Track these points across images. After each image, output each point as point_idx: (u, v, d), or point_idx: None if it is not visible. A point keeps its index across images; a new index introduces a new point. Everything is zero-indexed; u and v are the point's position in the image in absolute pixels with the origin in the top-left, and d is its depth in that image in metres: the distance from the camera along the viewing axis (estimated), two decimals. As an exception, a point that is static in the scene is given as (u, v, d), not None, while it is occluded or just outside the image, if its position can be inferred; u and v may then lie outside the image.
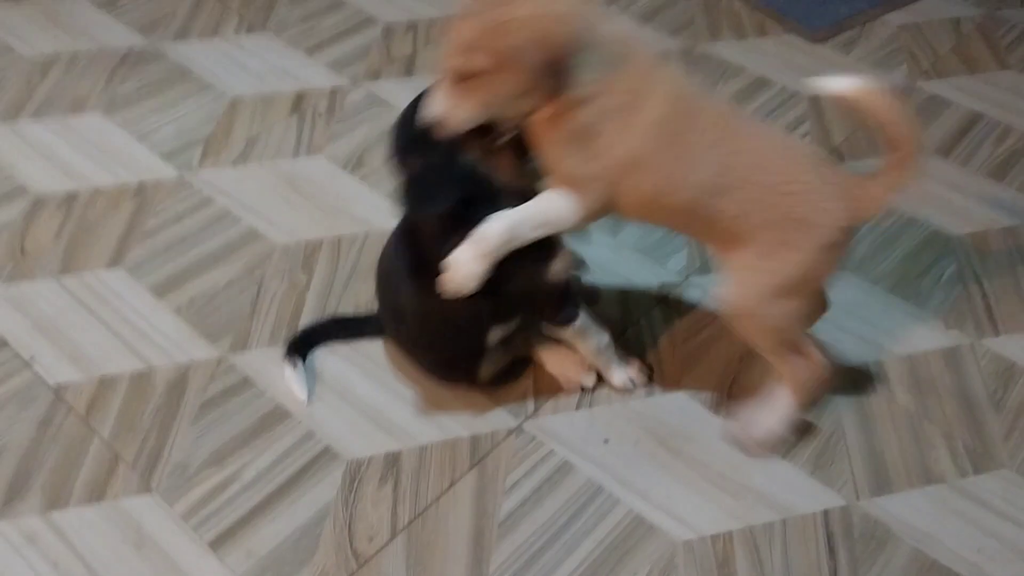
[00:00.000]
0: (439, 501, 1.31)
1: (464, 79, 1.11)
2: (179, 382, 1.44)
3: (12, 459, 1.34)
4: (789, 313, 1.25)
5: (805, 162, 1.21)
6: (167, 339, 1.50)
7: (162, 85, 2.03)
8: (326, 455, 1.36)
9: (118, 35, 2.17)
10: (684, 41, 2.23)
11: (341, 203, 1.77)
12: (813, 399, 1.40)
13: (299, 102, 2.00)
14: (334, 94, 2.03)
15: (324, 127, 1.94)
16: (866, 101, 1.18)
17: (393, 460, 1.36)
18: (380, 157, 1.87)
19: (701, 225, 1.22)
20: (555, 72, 1.10)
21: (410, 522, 1.29)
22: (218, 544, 1.25)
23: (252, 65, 2.10)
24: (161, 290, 1.58)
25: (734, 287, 1.24)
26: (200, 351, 1.49)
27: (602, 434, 1.40)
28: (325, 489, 1.32)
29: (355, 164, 1.86)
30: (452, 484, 1.33)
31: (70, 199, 1.75)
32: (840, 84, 1.18)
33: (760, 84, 2.11)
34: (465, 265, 1.19)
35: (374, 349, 1.50)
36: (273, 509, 1.30)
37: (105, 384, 1.43)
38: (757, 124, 1.26)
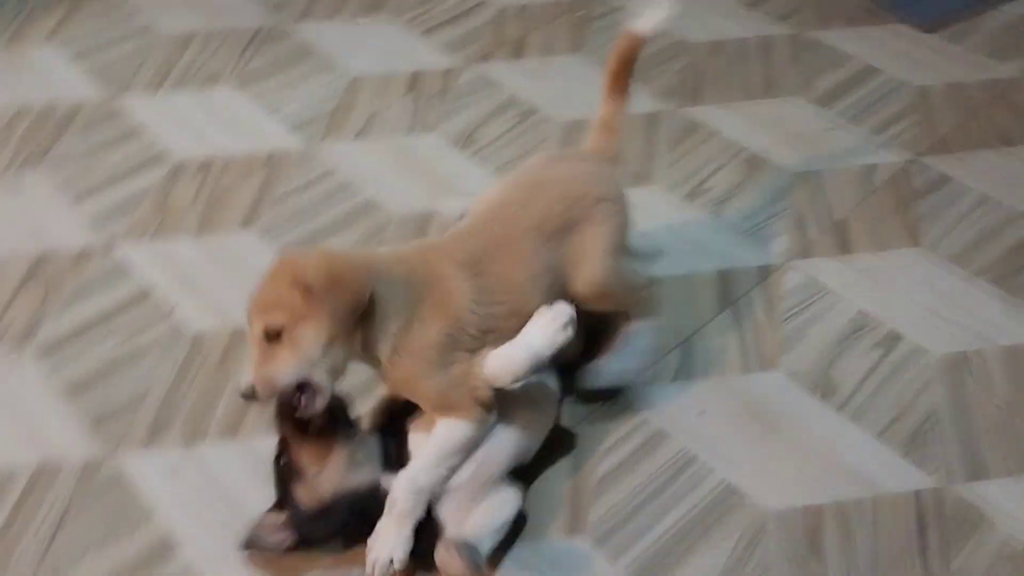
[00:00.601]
0: (539, 459, 1.39)
1: (272, 339, 1.14)
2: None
3: (155, 400, 1.47)
4: (623, 265, 1.39)
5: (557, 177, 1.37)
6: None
7: (288, 63, 2.16)
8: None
9: (247, 13, 2.31)
10: (792, 27, 2.25)
11: (451, 178, 1.87)
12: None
13: (414, 82, 2.10)
14: (447, 74, 2.12)
15: (437, 106, 2.04)
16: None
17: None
18: (488, 136, 1.96)
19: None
20: (357, 311, 1.15)
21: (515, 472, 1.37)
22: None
23: (372, 45, 2.21)
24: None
25: (594, 273, 1.33)
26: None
27: (698, 406, 1.46)
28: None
29: (465, 142, 1.95)
30: (550, 444, 1.41)
31: (206, 165, 1.89)
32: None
33: (866, 73, 2.11)
34: (390, 537, 1.20)
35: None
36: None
37: (237, 335, 1.56)
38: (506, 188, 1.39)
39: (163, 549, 1.29)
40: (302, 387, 1.17)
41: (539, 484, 1.36)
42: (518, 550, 1.28)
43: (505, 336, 1.21)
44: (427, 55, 2.19)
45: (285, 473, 1.23)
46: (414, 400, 1.26)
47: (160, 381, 1.50)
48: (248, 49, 2.20)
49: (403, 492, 1.20)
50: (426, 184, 1.85)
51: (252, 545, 1.25)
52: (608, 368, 1.44)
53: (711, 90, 2.08)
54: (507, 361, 1.19)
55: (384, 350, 1.19)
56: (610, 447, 1.41)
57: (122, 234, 1.74)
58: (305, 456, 1.21)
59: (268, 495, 1.26)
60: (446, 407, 1.21)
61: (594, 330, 1.43)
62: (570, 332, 1.20)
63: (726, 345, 1.55)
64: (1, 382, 1.50)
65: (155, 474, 1.37)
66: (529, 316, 1.21)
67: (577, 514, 1.33)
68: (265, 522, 1.25)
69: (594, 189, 1.35)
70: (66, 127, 1.98)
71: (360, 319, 1.16)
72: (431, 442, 1.22)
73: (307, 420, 1.20)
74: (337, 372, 1.19)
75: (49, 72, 2.13)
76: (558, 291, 1.31)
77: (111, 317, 1.60)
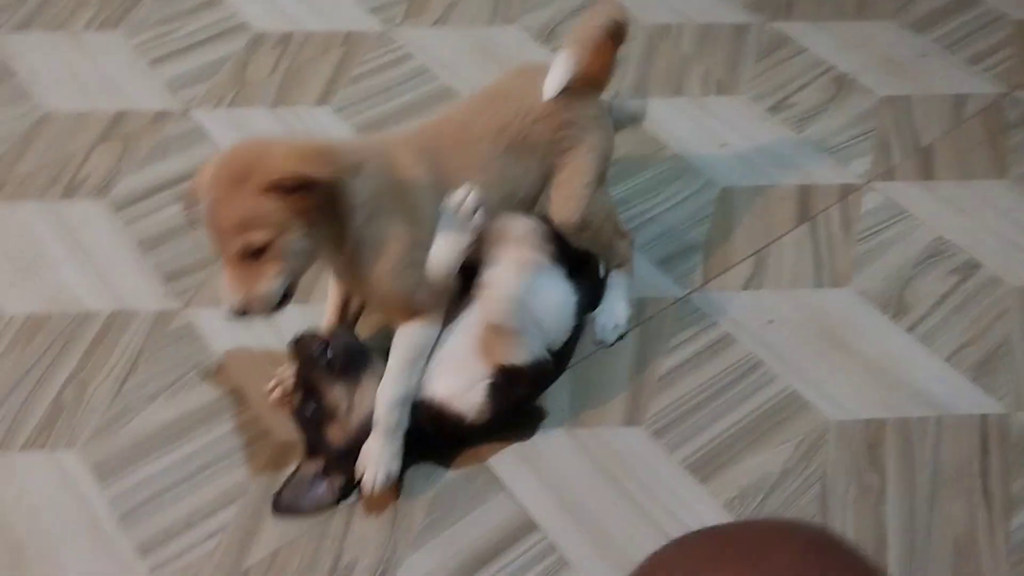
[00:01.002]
0: (602, 353, 1.40)
1: (251, 256, 1.07)
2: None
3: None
4: (608, 198, 1.38)
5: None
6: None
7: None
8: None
9: None
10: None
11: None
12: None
13: (499, -27, 2.06)
14: (533, -31, 2.08)
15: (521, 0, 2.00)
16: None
17: (565, 309, 1.45)
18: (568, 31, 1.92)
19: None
20: (331, 205, 1.09)
21: (577, 362, 1.38)
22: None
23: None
24: (362, 131, 1.70)
25: (569, 203, 1.30)
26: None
27: (767, 315, 1.45)
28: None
29: (546, 36, 1.91)
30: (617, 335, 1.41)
31: (285, 39, 1.87)
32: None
33: (965, 2, 2.03)
34: (382, 454, 1.18)
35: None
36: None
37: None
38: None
39: (231, 400, 1.32)
40: (317, 338, 1.19)
41: (599, 375, 1.36)
42: (574, 430, 1.30)
43: None
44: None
45: (315, 420, 1.20)
46: (374, 300, 1.22)
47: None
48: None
49: (384, 408, 1.17)
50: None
51: (291, 509, 1.20)
52: (600, 325, 1.41)
53: (803, 5, 2.02)
54: (435, 258, 1.18)
55: (348, 244, 1.14)
56: (675, 346, 1.41)
57: (199, 100, 1.74)
58: (335, 396, 1.19)
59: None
60: (410, 310, 1.18)
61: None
62: (480, 217, 1.16)
63: (800, 258, 1.52)
64: (78, 230, 1.52)
65: (225, 329, 1.39)
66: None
67: (636, 406, 1.33)
68: (303, 475, 1.21)
69: (566, 114, 1.28)
70: (147, -9, 1.97)
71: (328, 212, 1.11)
72: (394, 354, 1.19)
73: (331, 361, 1.19)
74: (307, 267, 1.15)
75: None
76: (521, 206, 1.29)
77: (184, 180, 1.60)
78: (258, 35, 1.88)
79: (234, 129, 1.69)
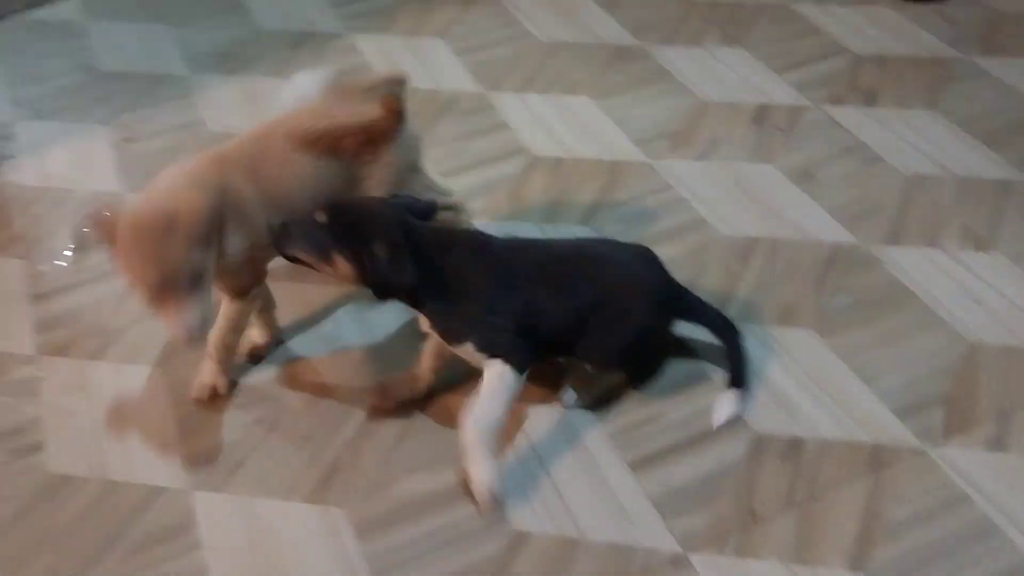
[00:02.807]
0: (834, 491, 1.42)
1: (184, 288, 1.32)
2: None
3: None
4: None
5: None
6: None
7: (643, 81, 2.32)
8: (736, 423, 1.53)
9: (614, 33, 2.50)
10: None
11: (783, 209, 1.92)
12: None
13: (761, 114, 2.18)
14: (794, 112, 2.18)
15: (780, 139, 2.10)
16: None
17: (796, 444, 1.49)
18: (828, 176, 1.99)
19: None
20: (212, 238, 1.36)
21: (804, 501, 1.41)
22: (637, 466, 1.48)
23: (724, 75, 2.32)
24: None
25: None
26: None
27: (1006, 478, 1.42)
28: (732, 450, 1.49)
29: (802, 178, 2.00)
30: (849, 481, 1.43)
31: (557, 163, 2.09)
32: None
33: None
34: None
35: (793, 338, 1.64)
36: (686, 452, 1.49)
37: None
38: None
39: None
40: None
41: (824, 516, 1.39)
42: (792, 566, 1.32)
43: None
44: (777, 90, 2.25)
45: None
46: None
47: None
48: (610, 64, 2.38)
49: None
50: (757, 211, 1.92)
51: (287, 235, 1.40)
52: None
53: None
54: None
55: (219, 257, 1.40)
56: (909, 499, 1.41)
57: (475, 213, 1.97)
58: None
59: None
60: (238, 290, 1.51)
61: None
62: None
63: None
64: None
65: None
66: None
67: (862, 553, 1.34)
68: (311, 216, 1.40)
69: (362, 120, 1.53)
70: (444, 112, 2.26)
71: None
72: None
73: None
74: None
75: (437, 62, 2.44)
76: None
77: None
78: (534, 159, 2.10)
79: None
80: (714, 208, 1.94)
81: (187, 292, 1.32)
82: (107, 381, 1.65)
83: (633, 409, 1.56)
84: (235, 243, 1.43)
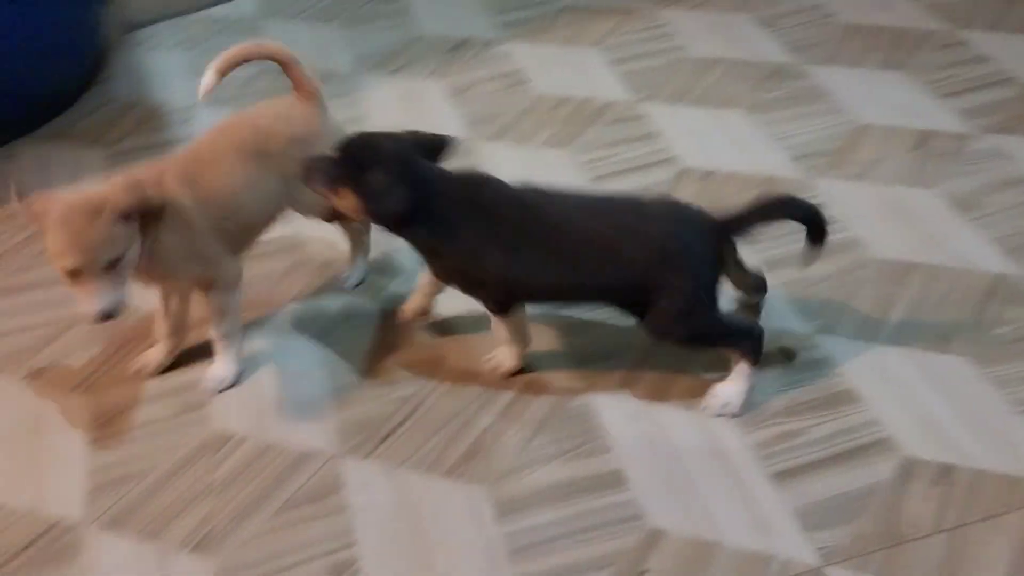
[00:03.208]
0: (986, 522, 1.37)
1: (103, 270, 1.41)
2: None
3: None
4: None
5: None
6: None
7: (801, 100, 2.29)
8: (884, 444, 1.49)
9: (772, 50, 2.49)
10: None
11: (941, 236, 1.87)
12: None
13: (923, 140, 2.13)
14: (959, 139, 2.12)
15: (942, 166, 2.05)
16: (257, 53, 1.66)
17: (947, 471, 1.45)
18: (993, 205, 1.93)
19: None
20: (151, 220, 1.47)
21: (954, 528, 1.37)
22: (779, 478, 1.47)
23: (885, 98, 2.27)
24: (768, 262, 1.83)
25: (314, 207, 1.75)
26: (793, 324, 1.71)
27: None
28: (878, 470, 1.46)
29: (964, 206, 1.94)
30: (1003, 513, 1.38)
31: (707, 175, 2.09)
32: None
33: None
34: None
35: (948, 364, 1.59)
36: (830, 468, 1.47)
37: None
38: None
39: (615, 479, 1.48)
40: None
41: (978, 545, 1.34)
42: None
43: (237, 239, 1.60)
44: (941, 116, 2.19)
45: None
46: (171, 284, 1.63)
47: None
48: (766, 81, 2.37)
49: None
50: (915, 237, 1.88)
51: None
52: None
53: None
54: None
55: (146, 250, 1.49)
56: None
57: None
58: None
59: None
60: (204, 283, 1.60)
61: None
62: None
63: None
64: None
65: (620, 421, 1.57)
66: (249, 221, 1.61)
67: (1014, 587, 1.29)
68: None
69: (286, 128, 1.63)
70: (595, 119, 2.30)
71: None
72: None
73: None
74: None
75: (592, 71, 2.48)
76: (277, 210, 1.67)
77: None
78: (684, 169, 2.11)
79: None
80: (870, 230, 1.90)
81: (103, 276, 1.42)
82: (266, 350, 1.75)
83: (777, 423, 1.55)
84: (171, 240, 1.52)
